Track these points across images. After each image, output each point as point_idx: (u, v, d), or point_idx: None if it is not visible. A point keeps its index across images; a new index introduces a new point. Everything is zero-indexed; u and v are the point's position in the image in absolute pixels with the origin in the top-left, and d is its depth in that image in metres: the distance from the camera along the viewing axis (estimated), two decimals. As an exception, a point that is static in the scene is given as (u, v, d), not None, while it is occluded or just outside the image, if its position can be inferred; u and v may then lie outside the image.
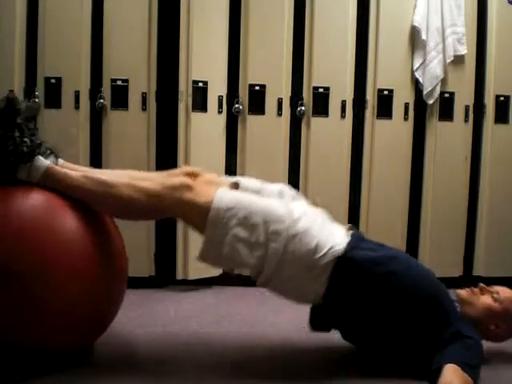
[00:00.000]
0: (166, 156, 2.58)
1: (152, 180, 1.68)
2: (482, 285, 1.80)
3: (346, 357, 1.84)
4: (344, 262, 1.62)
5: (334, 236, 1.67)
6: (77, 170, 1.71)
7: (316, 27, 2.62)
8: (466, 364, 1.50)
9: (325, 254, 1.61)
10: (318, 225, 1.67)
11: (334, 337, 2.00)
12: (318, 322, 1.74)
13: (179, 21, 2.51)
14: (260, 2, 2.59)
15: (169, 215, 1.76)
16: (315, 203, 1.81)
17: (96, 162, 2.56)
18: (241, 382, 1.62)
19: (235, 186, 1.77)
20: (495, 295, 1.75)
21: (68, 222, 1.58)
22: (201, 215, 1.62)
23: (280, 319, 2.19)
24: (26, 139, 1.61)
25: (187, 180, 1.66)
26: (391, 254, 1.71)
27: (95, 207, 1.66)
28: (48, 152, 1.67)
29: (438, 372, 1.51)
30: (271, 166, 2.61)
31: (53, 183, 1.62)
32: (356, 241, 1.70)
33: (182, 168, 1.87)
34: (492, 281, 2.70)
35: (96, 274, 1.59)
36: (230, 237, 1.61)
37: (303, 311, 2.30)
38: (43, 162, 1.63)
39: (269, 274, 1.63)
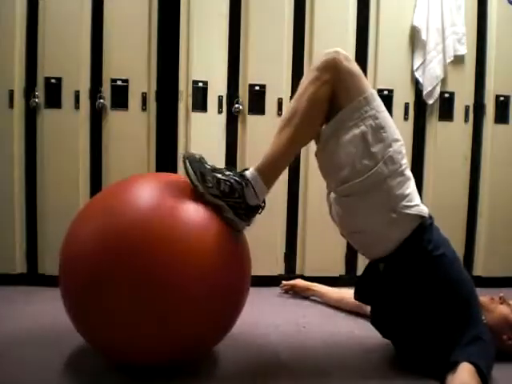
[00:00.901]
0: (166, 156, 2.58)
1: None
2: (502, 295, 1.82)
3: (346, 356, 1.84)
4: (422, 230, 1.68)
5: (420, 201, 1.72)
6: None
7: (316, 27, 2.62)
8: (483, 368, 1.50)
9: (411, 206, 1.65)
10: (414, 185, 1.71)
11: (335, 337, 2.01)
12: (362, 293, 1.81)
13: (179, 21, 2.51)
14: (260, 3, 2.59)
15: (332, 88, 1.64)
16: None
17: (96, 161, 2.56)
18: (241, 382, 1.62)
19: None
20: None
21: (209, 233, 1.52)
22: (353, 92, 1.61)
23: (280, 319, 2.19)
24: (227, 172, 1.59)
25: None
26: (448, 245, 1.77)
27: (301, 142, 1.68)
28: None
29: (453, 365, 1.52)
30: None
31: (270, 172, 1.63)
32: (433, 221, 1.77)
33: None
34: (492, 281, 2.72)
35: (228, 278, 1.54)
36: (360, 130, 1.61)
37: (303, 312, 2.31)
38: (248, 173, 1.61)
39: (357, 188, 1.63)
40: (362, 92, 1.62)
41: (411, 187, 1.68)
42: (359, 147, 1.61)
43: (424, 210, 1.69)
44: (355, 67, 1.64)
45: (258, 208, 1.62)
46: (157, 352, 1.49)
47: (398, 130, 1.70)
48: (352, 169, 1.62)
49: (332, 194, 1.76)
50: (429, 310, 1.65)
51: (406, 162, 1.69)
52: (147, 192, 1.55)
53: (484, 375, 1.49)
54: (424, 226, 1.69)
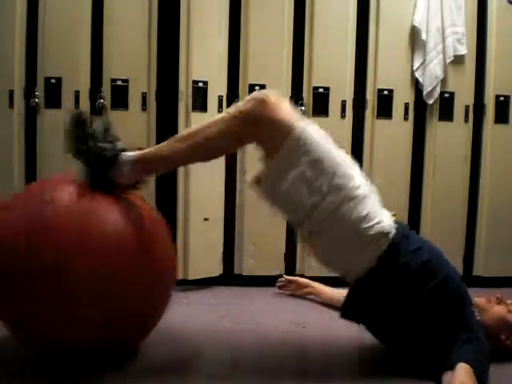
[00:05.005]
0: (166, 156, 2.58)
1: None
2: (499, 295, 1.82)
3: (346, 356, 1.84)
4: (393, 248, 1.65)
5: (383, 214, 1.68)
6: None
7: (316, 27, 2.62)
8: (479, 368, 1.51)
9: (371, 227, 1.62)
10: (373, 199, 1.68)
11: (335, 337, 2.01)
12: (349, 311, 1.76)
13: (179, 21, 2.50)
14: (260, 2, 2.59)
15: (249, 138, 1.67)
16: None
17: (96, 161, 2.56)
18: (240, 382, 1.62)
19: None
20: (511, 307, 1.77)
21: (110, 220, 1.57)
22: (278, 138, 1.59)
23: (280, 319, 2.19)
24: (103, 145, 1.63)
25: (268, 97, 1.60)
26: (429, 249, 1.74)
27: (192, 161, 1.70)
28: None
29: (449, 367, 1.52)
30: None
31: (147, 165, 1.64)
32: (404, 229, 1.74)
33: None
34: (492, 281, 2.72)
35: (137, 274, 1.56)
36: (296, 171, 1.59)
37: (303, 312, 2.31)
38: (127, 155, 1.63)
39: (315, 224, 1.63)
40: (289, 133, 1.58)
41: (369, 206, 1.63)
42: (302, 187, 1.60)
43: (386, 225, 1.65)
44: (280, 110, 1.59)
45: (114, 185, 1.64)
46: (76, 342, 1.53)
47: (338, 152, 1.66)
48: (303, 209, 1.62)
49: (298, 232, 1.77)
50: (419, 317, 1.65)
51: (355, 182, 1.63)
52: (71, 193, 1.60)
53: (480, 377, 1.49)
54: (396, 240, 1.66)
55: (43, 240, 1.48)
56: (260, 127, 1.59)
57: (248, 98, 1.63)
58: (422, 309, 1.65)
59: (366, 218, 1.61)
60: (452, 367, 1.51)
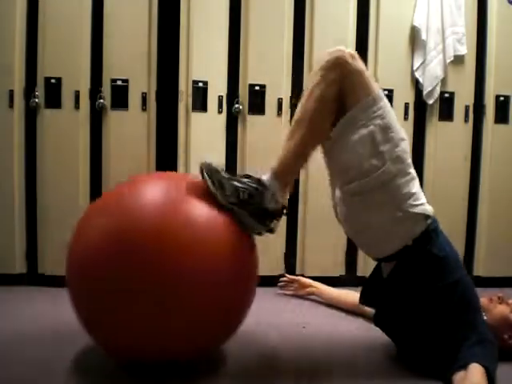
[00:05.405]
0: (166, 156, 2.58)
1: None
2: (501, 295, 1.82)
3: (347, 357, 1.84)
4: (427, 234, 1.67)
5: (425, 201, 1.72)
6: None
7: (316, 27, 2.62)
8: (491, 371, 1.50)
9: (416, 205, 1.65)
10: (418, 184, 1.71)
11: (335, 337, 2.00)
12: (367, 297, 1.83)
13: (179, 21, 2.51)
14: (260, 3, 2.59)
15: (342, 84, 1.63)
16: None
17: (96, 161, 2.56)
18: (240, 381, 1.62)
19: None
20: None
21: (199, 224, 1.50)
22: (359, 93, 1.60)
23: (280, 319, 2.19)
24: (244, 180, 1.59)
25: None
26: (452, 249, 1.76)
27: (317, 139, 1.66)
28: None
29: (462, 366, 1.51)
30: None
31: (286, 175, 1.63)
32: (437, 224, 1.75)
33: None
34: (492, 281, 2.72)
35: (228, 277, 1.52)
36: (367, 130, 1.61)
37: (303, 311, 2.31)
38: (265, 178, 1.61)
39: (365, 187, 1.62)
40: (369, 91, 1.61)
41: (416, 186, 1.68)
42: (367, 147, 1.61)
43: (429, 209, 1.69)
44: (361, 65, 1.62)
45: (278, 212, 1.62)
46: (168, 351, 1.50)
47: (403, 129, 1.70)
48: (360, 168, 1.62)
49: (337, 194, 1.75)
50: (434, 310, 1.65)
51: (410, 161, 1.69)
52: (159, 191, 1.56)
53: (492, 378, 1.49)
54: (431, 228, 1.69)
55: (138, 247, 1.42)
56: (347, 75, 1.59)
57: (328, 52, 1.62)
58: (435, 303, 1.64)
59: (413, 195, 1.65)
60: (465, 366, 1.50)
